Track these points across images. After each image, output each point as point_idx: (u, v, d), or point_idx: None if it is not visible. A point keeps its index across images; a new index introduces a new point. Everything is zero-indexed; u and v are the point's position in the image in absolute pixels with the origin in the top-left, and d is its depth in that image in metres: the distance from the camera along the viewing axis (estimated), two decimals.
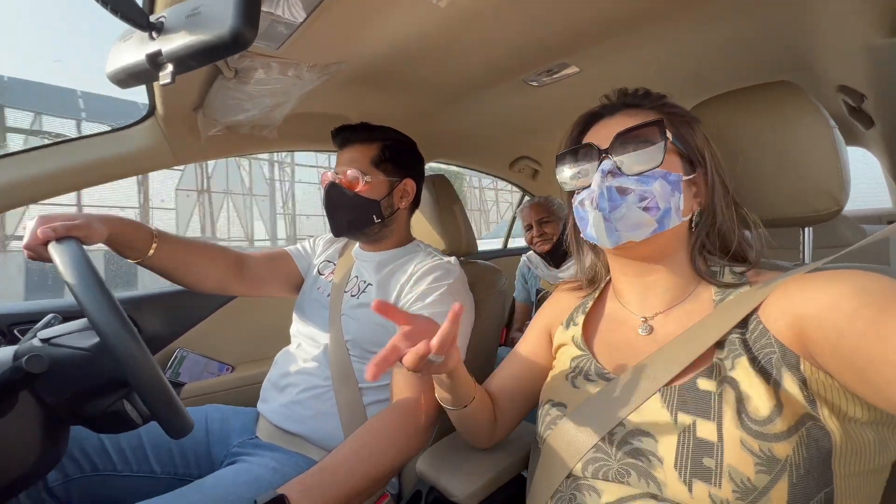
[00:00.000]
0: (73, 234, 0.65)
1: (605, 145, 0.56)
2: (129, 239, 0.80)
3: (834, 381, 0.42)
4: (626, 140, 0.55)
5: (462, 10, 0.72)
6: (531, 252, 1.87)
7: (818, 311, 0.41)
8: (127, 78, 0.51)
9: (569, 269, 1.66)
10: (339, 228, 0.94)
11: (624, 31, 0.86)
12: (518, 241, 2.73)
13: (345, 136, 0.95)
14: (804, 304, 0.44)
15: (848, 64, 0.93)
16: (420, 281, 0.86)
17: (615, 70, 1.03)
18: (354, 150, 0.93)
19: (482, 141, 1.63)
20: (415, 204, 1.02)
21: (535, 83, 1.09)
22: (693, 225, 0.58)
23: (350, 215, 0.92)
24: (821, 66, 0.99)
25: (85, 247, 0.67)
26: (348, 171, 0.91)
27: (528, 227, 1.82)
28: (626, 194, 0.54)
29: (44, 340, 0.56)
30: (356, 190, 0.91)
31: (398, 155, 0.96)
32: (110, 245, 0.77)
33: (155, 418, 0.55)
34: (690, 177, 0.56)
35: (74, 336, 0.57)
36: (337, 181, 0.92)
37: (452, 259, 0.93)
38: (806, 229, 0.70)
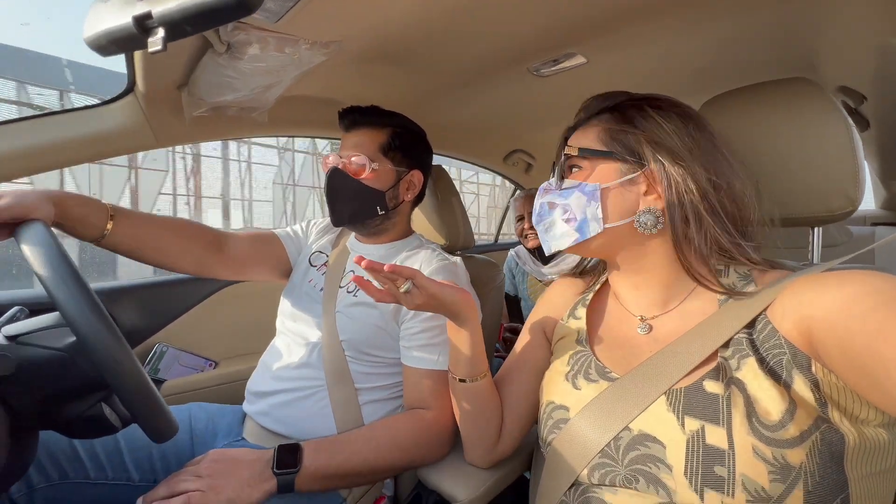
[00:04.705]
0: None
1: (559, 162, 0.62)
2: (81, 214, 0.71)
3: (846, 384, 0.41)
4: (566, 158, 0.61)
5: None
6: (520, 246, 1.83)
7: (828, 311, 0.40)
8: (108, 44, 0.44)
9: (557, 265, 1.64)
10: (339, 218, 0.88)
11: (635, 22, 0.83)
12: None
13: (353, 117, 0.88)
14: (813, 304, 0.42)
15: (852, 64, 0.93)
16: None
17: (623, 63, 1.01)
18: (362, 135, 0.87)
19: (479, 131, 1.59)
20: (419, 197, 0.97)
21: (539, 73, 1.05)
22: (638, 225, 0.55)
23: (353, 205, 0.86)
24: (824, 65, 0.99)
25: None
26: (354, 157, 0.85)
27: (520, 218, 1.76)
28: (554, 208, 0.60)
29: (10, 338, 0.50)
30: (361, 178, 0.85)
31: (408, 144, 0.90)
32: (60, 225, 0.69)
33: (137, 422, 0.50)
34: (627, 178, 0.54)
35: (46, 334, 0.52)
36: (341, 166, 0.85)
37: (458, 260, 0.90)
38: (816, 229, 0.70)
